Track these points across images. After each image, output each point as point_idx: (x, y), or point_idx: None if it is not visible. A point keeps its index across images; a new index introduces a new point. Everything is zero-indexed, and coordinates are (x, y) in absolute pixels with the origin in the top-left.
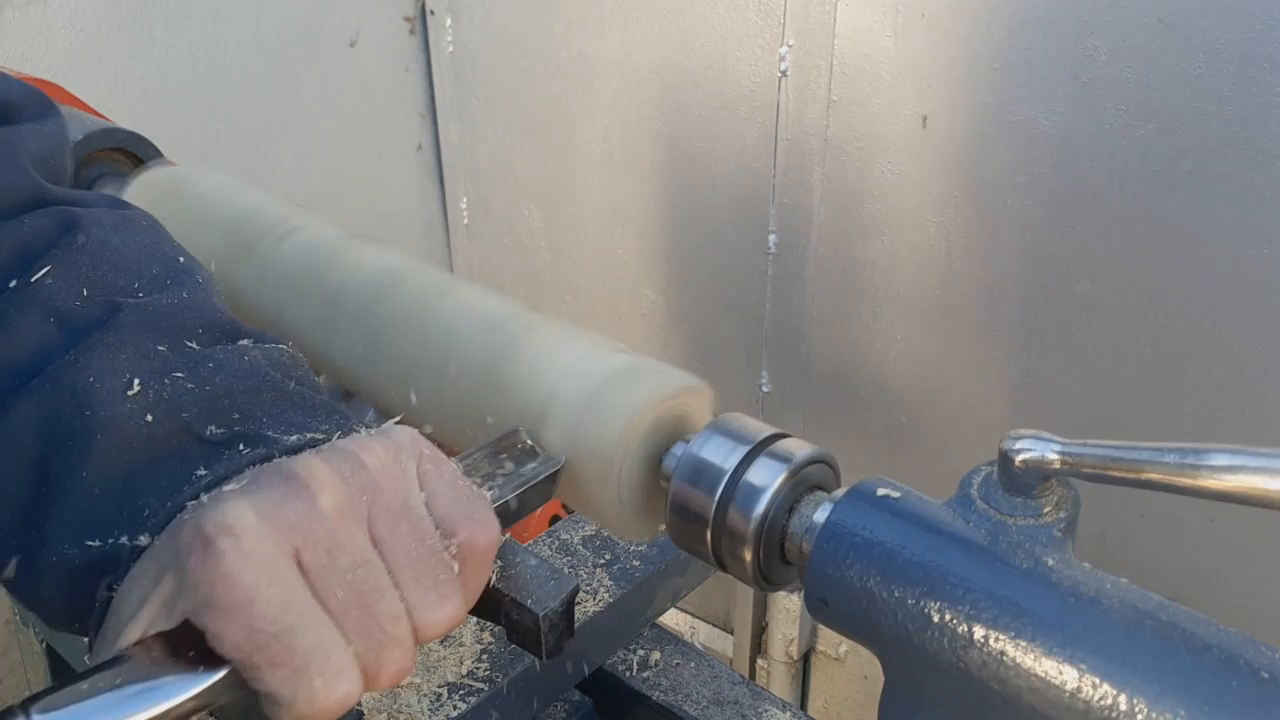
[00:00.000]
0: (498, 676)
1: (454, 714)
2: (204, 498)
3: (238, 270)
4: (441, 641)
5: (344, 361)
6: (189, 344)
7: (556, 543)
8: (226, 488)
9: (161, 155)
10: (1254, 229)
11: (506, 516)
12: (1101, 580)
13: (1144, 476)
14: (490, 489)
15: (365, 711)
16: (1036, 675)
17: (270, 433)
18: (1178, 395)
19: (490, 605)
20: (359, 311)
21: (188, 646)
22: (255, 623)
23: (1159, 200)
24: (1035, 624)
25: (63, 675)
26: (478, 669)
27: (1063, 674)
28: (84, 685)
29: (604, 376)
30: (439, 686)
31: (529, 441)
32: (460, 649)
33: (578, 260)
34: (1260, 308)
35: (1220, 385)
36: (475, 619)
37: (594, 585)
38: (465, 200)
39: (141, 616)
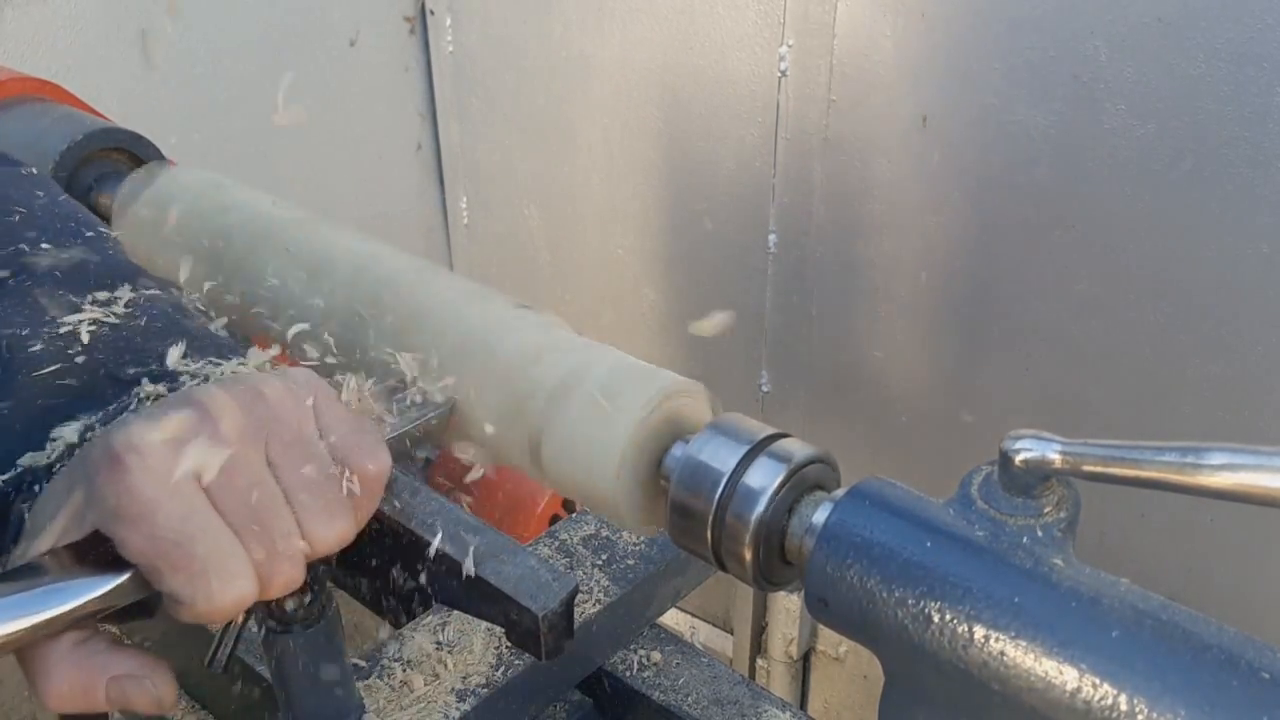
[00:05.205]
0: (498, 677)
1: (455, 715)
2: (113, 423)
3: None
4: (450, 648)
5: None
6: (97, 290)
7: (555, 543)
8: (135, 413)
9: (161, 155)
10: (1254, 229)
11: (397, 450)
12: (1101, 580)
13: (1144, 476)
14: (383, 425)
15: (368, 712)
16: (1037, 675)
17: (176, 368)
18: (1178, 395)
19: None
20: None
21: (96, 554)
22: (157, 531)
23: (1159, 200)
24: (1035, 624)
25: None
26: (478, 670)
27: (1063, 674)
28: None
29: (605, 376)
30: (439, 688)
31: (420, 387)
32: (468, 655)
33: (577, 260)
34: (1260, 308)
35: (1220, 385)
36: (486, 626)
37: (593, 585)
38: (465, 200)
39: (53, 527)
